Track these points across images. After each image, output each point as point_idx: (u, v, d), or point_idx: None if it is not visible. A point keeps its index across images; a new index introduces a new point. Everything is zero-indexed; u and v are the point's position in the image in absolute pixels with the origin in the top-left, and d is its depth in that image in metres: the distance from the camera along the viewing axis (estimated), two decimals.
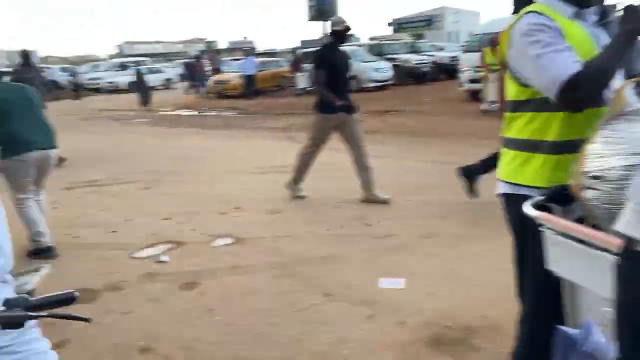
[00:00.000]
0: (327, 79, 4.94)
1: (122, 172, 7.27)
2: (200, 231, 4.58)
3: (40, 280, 3.03)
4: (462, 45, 17.81)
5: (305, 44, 30.55)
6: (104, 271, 3.82)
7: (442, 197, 5.12)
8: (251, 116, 14.41)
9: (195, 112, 16.41)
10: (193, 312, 3.15)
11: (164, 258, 3.98)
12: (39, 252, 4.05)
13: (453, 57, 18.74)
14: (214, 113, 15.86)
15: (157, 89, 26.68)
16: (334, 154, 6.19)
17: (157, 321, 3.06)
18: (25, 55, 8.03)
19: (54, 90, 27.22)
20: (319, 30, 39.08)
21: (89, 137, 8.49)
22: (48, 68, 29.62)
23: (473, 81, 12.40)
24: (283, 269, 3.70)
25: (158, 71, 28.62)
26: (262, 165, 7.24)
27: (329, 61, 5.00)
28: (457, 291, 3.20)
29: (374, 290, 3.31)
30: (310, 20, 23.93)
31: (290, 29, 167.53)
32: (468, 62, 12.68)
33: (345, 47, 6.18)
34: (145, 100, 17.95)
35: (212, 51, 36.73)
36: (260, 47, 43.24)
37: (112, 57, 59.45)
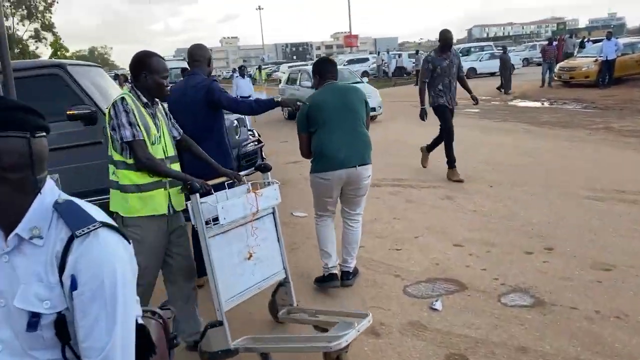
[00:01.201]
0: None
1: (429, 172, 6.81)
2: (492, 273, 3.63)
3: (357, 336, 2.53)
4: None
5: None
6: (371, 302, 3.36)
7: None
8: (599, 112, 11.87)
9: (532, 104, 14.72)
10: None
11: (437, 305, 3.23)
12: (321, 280, 3.62)
13: None
14: (553, 106, 13.85)
15: (497, 76, 25.62)
16: None
17: None
18: (446, 38, 6.22)
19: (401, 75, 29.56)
20: None
21: (411, 127, 8.44)
22: (399, 54, 32.20)
23: None
24: None
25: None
26: (599, 187, 5.55)
27: None
28: None
29: None
30: None
31: None
32: None
33: None
34: (505, 87, 17.38)
35: (563, 32, 32.79)
36: (633, 24, 36.13)
37: (459, 41, 60.58)
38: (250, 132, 6.73)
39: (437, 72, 6.15)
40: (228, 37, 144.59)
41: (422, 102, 6.34)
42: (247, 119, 6.87)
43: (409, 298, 3.41)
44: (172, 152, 2.69)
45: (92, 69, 6.24)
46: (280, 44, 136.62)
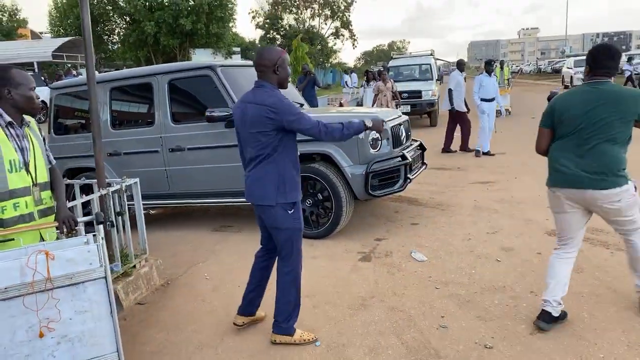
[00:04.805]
0: None
1: None
2: None
3: None
4: None
5: None
6: None
7: None
8: None
9: None
10: None
11: None
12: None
13: None
14: None
15: None
16: None
17: None
18: None
19: None
20: None
21: None
22: None
23: None
24: None
25: None
26: None
27: None
28: None
29: None
30: None
31: None
32: None
33: None
34: None
35: None
36: None
37: None
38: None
39: None
40: (527, 29, 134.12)
41: None
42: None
43: None
44: (44, 178, 2.44)
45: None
46: (588, 34, 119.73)
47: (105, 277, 2.24)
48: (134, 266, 3.85)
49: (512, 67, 30.11)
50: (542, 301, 3.03)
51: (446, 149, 9.48)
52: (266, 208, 2.89)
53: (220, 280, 4.12)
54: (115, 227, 3.68)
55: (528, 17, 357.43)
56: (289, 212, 2.89)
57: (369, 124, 3.00)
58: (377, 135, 4.98)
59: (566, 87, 26.73)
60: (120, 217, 3.81)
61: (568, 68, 27.43)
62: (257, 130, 2.79)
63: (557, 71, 39.16)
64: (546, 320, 2.98)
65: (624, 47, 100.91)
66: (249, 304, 3.22)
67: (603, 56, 2.84)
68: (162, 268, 4.22)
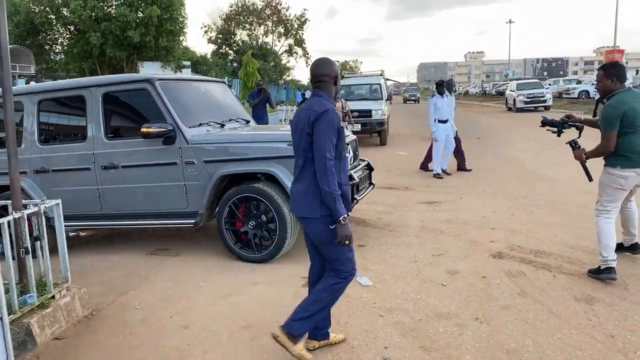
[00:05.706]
0: None
1: None
2: None
3: None
4: None
5: None
6: None
7: None
8: None
9: None
10: None
11: None
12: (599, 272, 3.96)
13: None
14: None
15: None
16: None
17: None
18: None
19: None
20: None
21: None
22: None
23: None
24: None
25: None
26: None
27: None
28: None
29: None
30: None
31: None
32: None
33: None
34: None
35: None
36: None
37: None
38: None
39: None
40: (473, 52, 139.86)
41: None
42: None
43: None
44: None
45: (202, 85, 6.03)
46: (530, 59, 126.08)
47: (0, 319, 1.93)
48: (53, 296, 3.48)
49: (459, 88, 30.97)
50: (608, 261, 3.88)
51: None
52: (309, 220, 2.82)
53: (152, 310, 3.81)
54: (30, 254, 3.32)
55: (475, 40, 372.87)
56: (331, 227, 2.75)
57: (343, 222, 2.69)
58: None
59: (509, 109, 27.82)
60: (38, 242, 3.44)
61: (511, 91, 28.57)
62: (302, 133, 2.76)
63: (501, 93, 40.76)
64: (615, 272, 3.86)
65: (561, 73, 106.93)
66: (315, 328, 3.09)
67: (624, 70, 3.92)
68: (86, 298, 3.85)
